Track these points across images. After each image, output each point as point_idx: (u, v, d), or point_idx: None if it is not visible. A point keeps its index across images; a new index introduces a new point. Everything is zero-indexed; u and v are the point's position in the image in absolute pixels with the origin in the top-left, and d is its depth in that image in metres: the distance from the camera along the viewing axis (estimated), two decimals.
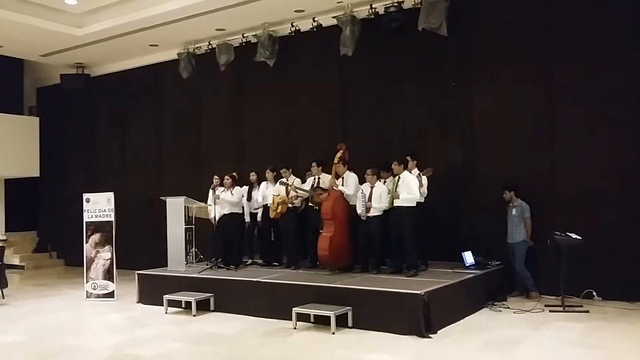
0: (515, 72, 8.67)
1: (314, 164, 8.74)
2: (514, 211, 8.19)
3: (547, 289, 7.96)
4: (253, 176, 9.55)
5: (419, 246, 7.84)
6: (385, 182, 8.26)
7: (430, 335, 6.32)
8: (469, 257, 8.16)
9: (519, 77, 8.64)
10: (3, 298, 9.39)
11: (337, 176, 8.36)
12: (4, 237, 11.59)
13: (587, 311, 7.27)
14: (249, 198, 9.57)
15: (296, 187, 8.73)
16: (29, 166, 13.76)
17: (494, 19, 8.92)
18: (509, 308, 7.54)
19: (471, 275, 7.74)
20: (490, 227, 8.63)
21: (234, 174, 9.41)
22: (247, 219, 9.66)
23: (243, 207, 9.50)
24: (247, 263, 9.41)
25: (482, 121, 8.99)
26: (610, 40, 7.99)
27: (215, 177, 9.53)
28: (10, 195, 14.16)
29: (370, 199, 7.94)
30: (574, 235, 7.35)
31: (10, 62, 13.49)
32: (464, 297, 7.36)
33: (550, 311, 7.31)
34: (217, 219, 9.22)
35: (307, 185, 8.76)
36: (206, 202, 9.64)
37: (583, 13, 8.21)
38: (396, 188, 7.74)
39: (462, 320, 6.99)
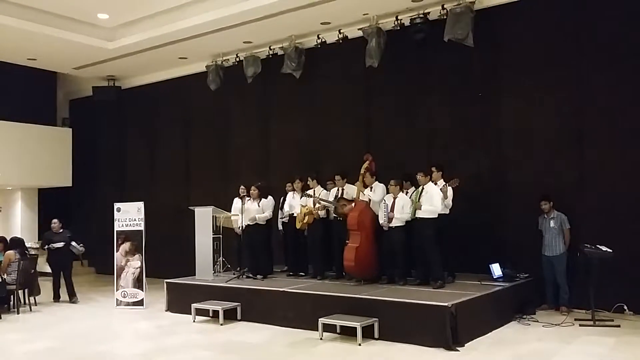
0: (542, 82, 8.61)
1: (337, 176, 8.76)
2: (552, 223, 8.05)
3: (577, 303, 7.84)
4: (289, 186, 9.61)
5: (443, 257, 7.78)
6: (407, 192, 8.24)
7: (458, 348, 6.27)
8: (496, 269, 8.07)
9: (546, 87, 8.57)
10: (35, 305, 9.62)
11: (365, 186, 8.38)
12: (37, 246, 11.85)
13: (618, 326, 7.12)
14: (282, 207, 9.66)
15: (320, 199, 8.77)
16: (61, 176, 14.10)
17: (520, 28, 8.86)
18: (537, 322, 7.43)
19: (499, 287, 7.66)
20: (518, 239, 8.54)
21: (260, 184, 9.49)
22: (280, 227, 9.74)
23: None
24: (290, 274, 9.35)
25: (509, 131, 8.92)
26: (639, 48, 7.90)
27: (242, 187, 9.63)
28: (43, 204, 14.49)
29: (392, 210, 7.94)
30: (604, 248, 7.22)
31: (44, 75, 13.86)
32: (492, 310, 7.29)
33: (580, 325, 7.19)
34: (242, 229, 9.32)
35: (330, 196, 8.79)
36: (230, 212, 9.73)
37: (611, 21, 8.11)
38: (419, 199, 7.73)
39: (490, 334, 6.92)
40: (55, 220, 10.43)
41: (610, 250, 7.19)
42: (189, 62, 12.43)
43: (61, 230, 10.32)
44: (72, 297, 10.21)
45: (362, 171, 8.39)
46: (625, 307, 7.67)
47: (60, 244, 10.13)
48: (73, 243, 10.21)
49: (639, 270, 7.59)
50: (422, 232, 7.69)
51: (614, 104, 8.05)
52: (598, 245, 7.27)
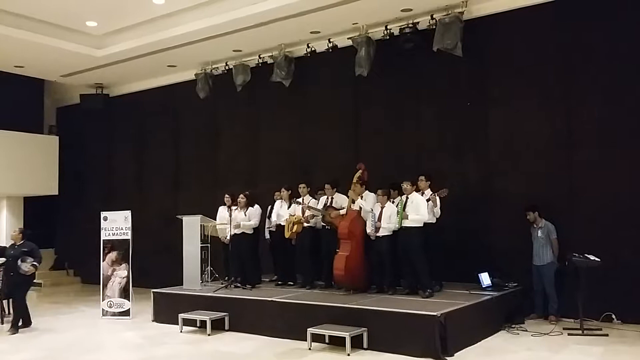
0: (531, 91, 8.67)
1: (327, 185, 8.75)
2: (539, 232, 8.08)
3: (566, 312, 7.84)
4: (277, 195, 9.56)
5: (430, 266, 7.76)
6: (394, 202, 8.24)
7: (447, 358, 6.25)
8: (485, 279, 8.07)
9: (535, 96, 8.63)
10: None
11: (356, 195, 8.35)
12: None
13: (607, 335, 7.14)
14: (270, 216, 9.63)
15: (309, 207, 8.74)
16: (48, 184, 13.97)
17: (509, 38, 8.93)
18: (526, 331, 7.43)
19: (488, 296, 7.66)
20: (507, 248, 8.55)
21: (247, 192, 9.45)
22: (267, 236, 9.68)
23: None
24: (279, 283, 9.29)
25: (499, 141, 8.96)
26: (629, 60, 7.95)
27: (227, 195, 9.58)
28: (29, 213, 14.32)
29: (379, 219, 7.93)
30: (592, 257, 7.25)
31: (31, 82, 13.74)
32: (481, 319, 7.27)
33: (569, 334, 7.20)
34: (230, 238, 9.26)
35: (319, 205, 8.77)
36: (216, 220, 9.66)
37: (600, 32, 8.19)
38: (404, 208, 7.73)
39: (479, 343, 6.90)
40: (15, 230, 8.93)
41: (599, 260, 7.21)
42: (178, 70, 12.39)
43: (22, 242, 8.64)
44: (26, 323, 8.52)
45: (354, 180, 8.37)
46: (614, 316, 7.70)
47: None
48: (19, 262, 8.30)
49: (627, 279, 7.63)
50: (408, 241, 7.68)
51: (603, 115, 8.11)
52: (586, 255, 7.29)
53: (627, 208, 7.84)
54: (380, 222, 7.92)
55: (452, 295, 7.64)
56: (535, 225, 8.15)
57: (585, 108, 8.26)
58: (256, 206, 9.31)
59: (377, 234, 7.94)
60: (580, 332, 7.18)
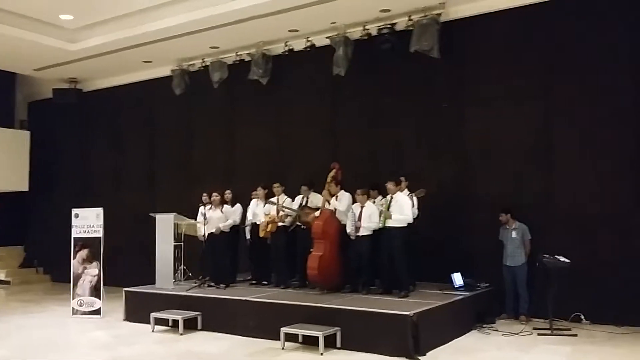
0: (507, 94, 8.75)
1: (303, 187, 8.71)
2: (514, 234, 8.15)
3: (536, 312, 7.95)
4: (254, 194, 9.51)
5: (410, 266, 7.80)
6: (374, 201, 8.26)
7: (419, 357, 6.29)
8: (458, 279, 8.15)
9: (511, 99, 8.72)
10: None
11: (330, 195, 8.36)
12: None
13: (575, 335, 7.26)
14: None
15: (284, 207, 8.72)
16: (18, 180, 13.72)
17: (486, 40, 9.01)
18: (497, 331, 7.52)
19: (460, 297, 7.72)
20: (480, 249, 8.64)
21: (228, 190, 9.38)
22: (248, 236, 9.64)
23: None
24: (253, 282, 9.23)
25: (475, 142, 9.04)
26: (609, 62, 8.08)
27: (204, 194, 9.52)
28: None
29: (359, 219, 7.94)
30: (561, 258, 7.37)
31: (2, 76, 13.47)
32: (452, 319, 7.34)
33: (539, 334, 7.30)
34: (205, 237, 9.19)
35: (295, 204, 8.75)
36: (196, 220, 9.59)
37: (581, 35, 8.29)
38: (388, 208, 7.74)
39: (450, 342, 6.96)
40: None
41: (568, 261, 7.33)
42: (153, 65, 12.23)
43: None
44: None
45: (328, 180, 8.37)
46: (582, 317, 7.83)
47: None
48: None
49: (596, 280, 7.76)
50: (392, 241, 7.68)
51: (579, 117, 8.22)
52: (556, 256, 7.41)
53: (598, 210, 7.98)
54: (360, 221, 7.91)
55: (424, 295, 7.70)
56: (507, 227, 8.24)
57: (561, 111, 8.36)
58: (237, 205, 9.25)
59: (357, 234, 7.93)
60: (549, 332, 7.29)
